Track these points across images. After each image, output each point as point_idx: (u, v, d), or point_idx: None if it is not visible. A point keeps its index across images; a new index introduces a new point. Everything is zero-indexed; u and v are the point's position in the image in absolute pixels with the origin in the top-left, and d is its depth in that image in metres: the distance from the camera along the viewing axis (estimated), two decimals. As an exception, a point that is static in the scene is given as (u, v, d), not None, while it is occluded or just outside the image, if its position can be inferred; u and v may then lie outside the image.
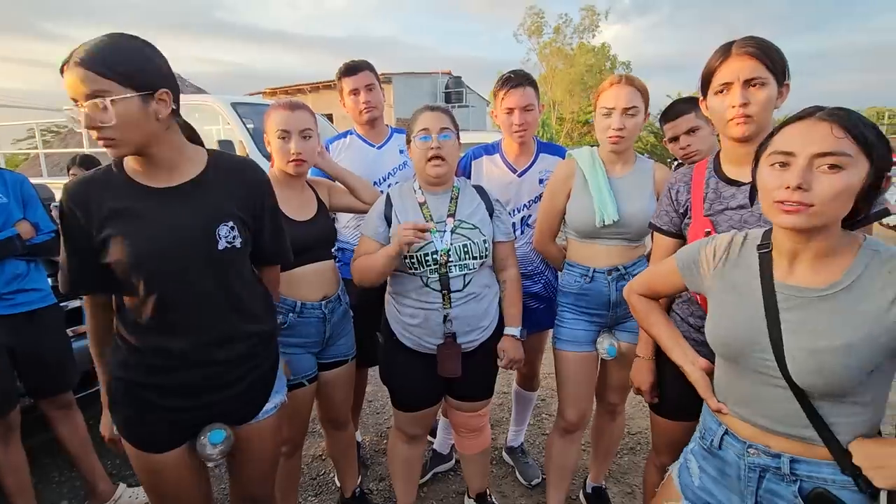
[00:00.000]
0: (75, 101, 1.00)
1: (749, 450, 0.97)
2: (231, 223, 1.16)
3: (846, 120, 0.81)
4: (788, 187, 0.82)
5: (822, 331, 0.86)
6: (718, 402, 1.05)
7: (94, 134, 1.02)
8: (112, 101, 0.98)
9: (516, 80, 1.82)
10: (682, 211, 1.35)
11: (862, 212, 0.86)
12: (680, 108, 1.86)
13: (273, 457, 1.41)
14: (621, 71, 32.61)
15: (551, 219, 1.75)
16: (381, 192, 2.04)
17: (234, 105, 5.05)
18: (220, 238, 1.14)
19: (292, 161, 1.58)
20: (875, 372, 0.85)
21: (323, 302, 1.65)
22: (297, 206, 1.63)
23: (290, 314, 1.59)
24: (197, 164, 1.18)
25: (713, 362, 1.10)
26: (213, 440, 1.22)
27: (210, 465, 1.29)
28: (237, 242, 1.17)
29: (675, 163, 2.11)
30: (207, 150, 1.24)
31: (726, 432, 1.03)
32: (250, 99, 6.28)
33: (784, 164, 0.85)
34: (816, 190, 0.81)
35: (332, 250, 1.79)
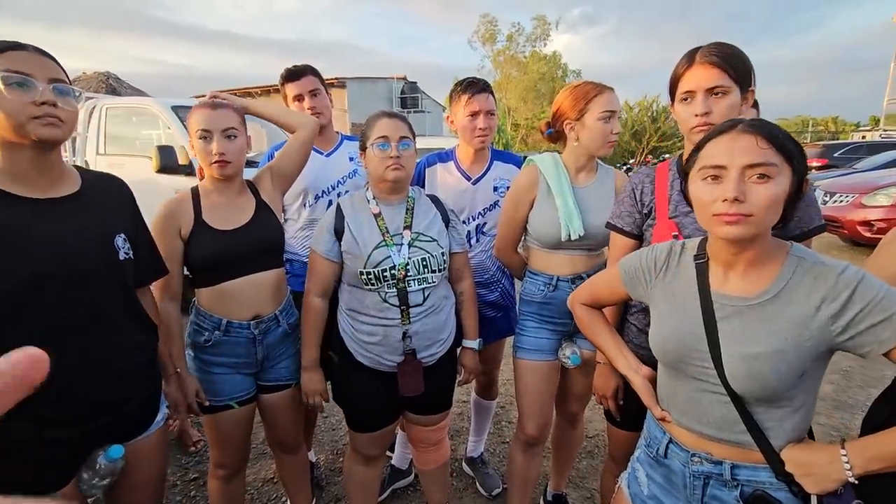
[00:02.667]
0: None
1: (693, 458, 0.99)
2: (123, 235, 1.18)
3: (767, 131, 0.85)
4: (726, 200, 0.84)
5: (754, 338, 0.89)
6: (662, 410, 1.06)
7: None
8: None
9: (480, 85, 1.81)
10: (645, 212, 1.33)
11: (789, 217, 0.89)
12: None
13: (161, 477, 1.32)
14: (572, 79, 33.79)
15: (513, 229, 1.71)
16: (330, 201, 1.97)
17: (176, 109, 4.63)
18: (119, 248, 1.15)
19: (215, 162, 1.46)
20: (804, 376, 0.88)
21: (253, 322, 1.51)
22: (226, 215, 1.51)
23: (216, 332, 1.47)
24: (75, 177, 1.16)
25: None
26: (112, 455, 1.12)
27: (89, 500, 1.17)
28: (131, 254, 1.19)
29: (625, 167, 2.16)
30: (74, 166, 1.22)
31: (671, 441, 1.04)
32: (194, 102, 5.94)
33: (716, 178, 0.87)
34: (751, 200, 0.83)
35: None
